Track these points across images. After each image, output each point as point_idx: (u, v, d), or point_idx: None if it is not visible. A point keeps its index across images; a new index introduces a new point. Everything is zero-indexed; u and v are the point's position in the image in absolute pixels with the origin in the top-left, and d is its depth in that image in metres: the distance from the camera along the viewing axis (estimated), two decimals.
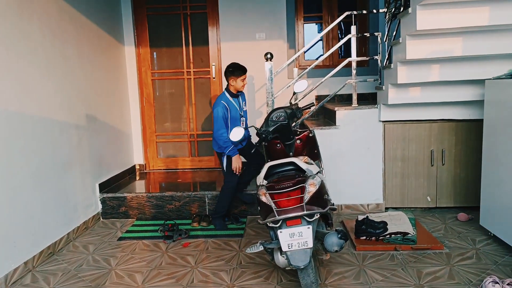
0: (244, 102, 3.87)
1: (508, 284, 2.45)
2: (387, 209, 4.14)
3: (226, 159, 3.75)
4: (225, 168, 3.78)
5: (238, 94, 3.77)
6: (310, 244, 2.40)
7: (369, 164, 4.09)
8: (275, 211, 2.41)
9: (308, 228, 2.42)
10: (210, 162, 5.37)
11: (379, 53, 4.10)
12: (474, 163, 3.93)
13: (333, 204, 2.85)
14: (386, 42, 3.95)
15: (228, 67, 3.73)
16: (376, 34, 4.06)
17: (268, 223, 2.46)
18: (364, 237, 3.39)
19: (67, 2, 3.80)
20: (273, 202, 2.44)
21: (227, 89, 3.76)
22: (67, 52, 3.78)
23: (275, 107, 3.56)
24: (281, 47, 4.99)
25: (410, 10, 3.18)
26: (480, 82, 3.52)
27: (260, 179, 2.66)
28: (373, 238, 3.37)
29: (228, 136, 3.57)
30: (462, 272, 2.80)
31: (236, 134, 3.04)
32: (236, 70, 3.68)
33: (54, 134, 3.52)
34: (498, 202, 3.20)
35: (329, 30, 4.24)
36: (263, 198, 2.49)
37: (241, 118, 3.81)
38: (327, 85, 4.96)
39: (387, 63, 3.88)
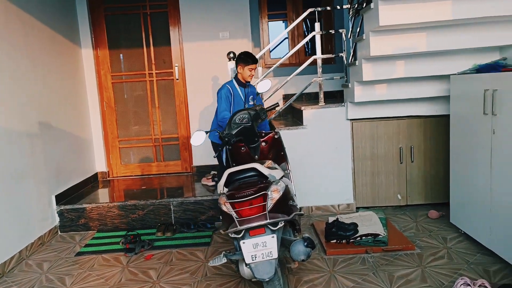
0: (252, 97, 3.60)
1: (479, 286, 2.38)
2: (358, 209, 4.05)
3: (228, 152, 3.26)
4: (224, 163, 3.50)
5: (246, 85, 3.54)
6: (275, 255, 2.25)
7: (338, 163, 4.00)
8: (236, 221, 2.26)
9: (273, 237, 2.28)
10: (176, 166, 5.17)
11: (344, 50, 4.01)
12: (443, 159, 3.89)
13: (300, 210, 2.72)
14: (350, 39, 3.86)
15: (240, 54, 3.52)
16: (340, 31, 3.97)
17: (230, 234, 2.31)
18: (335, 240, 3.28)
19: (13, 3, 3.52)
20: (234, 211, 2.29)
21: (236, 77, 3.55)
22: (16, 56, 3.51)
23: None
24: (246, 46, 4.83)
25: (372, 5, 3.09)
26: (446, 78, 3.47)
27: (220, 187, 2.50)
28: (343, 241, 3.26)
29: None
30: (434, 274, 2.73)
31: (196, 138, 2.87)
32: (246, 57, 3.46)
33: (1, 144, 3.24)
34: (466, 199, 3.15)
35: (294, 28, 4.13)
36: (224, 207, 2.33)
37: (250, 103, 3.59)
38: (294, 84, 4.84)
39: (352, 60, 3.79)
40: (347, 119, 3.95)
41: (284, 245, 2.54)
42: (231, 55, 3.79)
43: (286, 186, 2.57)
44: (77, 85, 4.72)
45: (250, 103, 3.56)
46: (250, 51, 4.84)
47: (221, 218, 2.46)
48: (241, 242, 2.27)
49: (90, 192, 4.49)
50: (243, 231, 2.27)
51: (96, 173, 5.05)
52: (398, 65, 3.44)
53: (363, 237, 3.23)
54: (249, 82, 3.52)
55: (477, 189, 2.97)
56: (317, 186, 4.01)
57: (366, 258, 3.04)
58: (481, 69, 3.02)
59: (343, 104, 3.94)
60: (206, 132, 2.95)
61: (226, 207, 2.31)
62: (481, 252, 2.96)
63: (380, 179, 4.01)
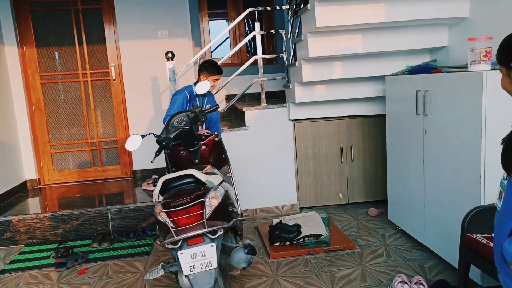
0: (210, 106, 3.44)
1: (416, 283, 2.45)
2: (301, 209, 4.07)
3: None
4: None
5: (205, 94, 3.36)
6: (215, 264, 2.16)
7: (281, 164, 3.99)
8: (172, 231, 2.14)
9: (212, 246, 2.18)
10: (115, 171, 4.91)
11: (285, 51, 4.00)
12: (381, 158, 4.00)
13: (241, 215, 2.65)
14: (290, 40, 3.85)
15: (205, 61, 3.35)
16: (280, 31, 3.95)
17: (166, 245, 2.18)
18: (279, 243, 3.26)
19: None
20: (171, 220, 2.17)
21: (196, 83, 3.36)
22: None
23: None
24: (186, 45, 4.69)
25: (309, 6, 3.09)
26: (382, 79, 3.56)
27: (156, 195, 2.36)
28: (287, 243, 3.24)
29: None
30: (374, 272, 2.78)
31: (131, 143, 2.70)
32: (211, 66, 3.30)
33: None
34: (402, 196, 3.25)
35: (236, 28, 4.06)
36: (160, 217, 2.20)
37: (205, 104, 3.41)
38: (237, 84, 4.78)
39: (292, 60, 3.78)
40: (289, 120, 3.95)
41: (225, 252, 2.46)
42: (169, 54, 3.64)
43: (226, 191, 2.49)
44: (0, 86, 4.32)
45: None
46: (190, 50, 4.72)
47: (157, 228, 2.33)
48: (178, 252, 2.15)
49: (17, 203, 4.13)
50: (181, 241, 2.16)
51: (25, 181, 4.67)
52: (336, 66, 3.48)
53: (306, 238, 3.23)
54: (210, 92, 3.41)
55: (411, 186, 3.07)
56: (261, 188, 3.97)
57: (309, 259, 3.04)
58: (413, 71, 3.12)
59: (285, 104, 3.93)
60: (142, 136, 2.79)
61: (162, 217, 2.18)
62: (417, 248, 3.07)
63: (322, 179, 4.05)
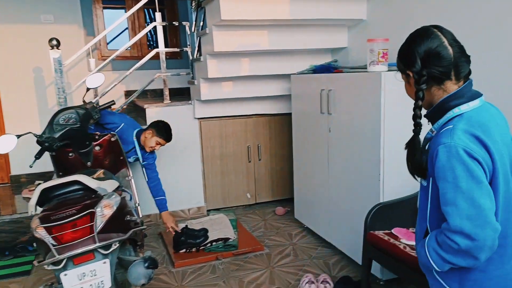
0: (147, 156, 3.05)
1: (322, 282, 2.44)
2: (209, 211, 3.90)
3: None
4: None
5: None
6: (108, 284, 1.90)
7: (187, 165, 3.77)
8: (53, 249, 1.82)
9: (104, 263, 1.91)
10: None
11: (189, 45, 3.79)
12: (288, 156, 4.01)
13: (141, 223, 2.39)
14: (195, 33, 3.65)
15: (160, 122, 2.99)
16: (184, 23, 3.73)
17: (46, 266, 1.85)
18: (184, 250, 3.05)
19: None
20: (52, 237, 1.84)
21: (139, 134, 2.96)
22: None
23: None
24: (76, 34, 4.19)
25: None
26: (288, 77, 3.55)
27: (31, 207, 2.00)
28: (193, 250, 3.05)
29: None
30: (282, 274, 2.73)
31: (3, 144, 2.28)
32: (162, 130, 2.94)
33: None
34: (308, 194, 3.27)
35: (135, 19, 3.72)
36: (37, 233, 1.86)
37: (132, 151, 2.99)
38: (138, 79, 4.40)
39: (197, 55, 3.59)
40: (195, 118, 3.75)
41: (123, 266, 2.19)
42: (54, 42, 3.17)
43: (123, 198, 2.22)
44: None
45: (129, 159, 3.01)
46: (81, 38, 4.24)
47: (35, 245, 1.97)
48: (62, 274, 1.84)
49: None
50: (65, 260, 1.84)
51: None
52: (243, 62, 3.38)
53: (214, 243, 3.08)
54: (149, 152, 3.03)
55: (316, 184, 3.10)
56: (166, 191, 3.70)
57: (216, 265, 2.89)
58: (316, 70, 3.15)
59: (190, 102, 3.73)
60: (18, 136, 2.36)
61: (39, 233, 1.84)
62: (322, 245, 3.11)
63: (230, 179, 3.94)
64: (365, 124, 2.47)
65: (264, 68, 3.43)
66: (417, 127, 1.20)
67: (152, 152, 3.05)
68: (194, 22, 3.65)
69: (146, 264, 2.04)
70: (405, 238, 2.07)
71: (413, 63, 1.18)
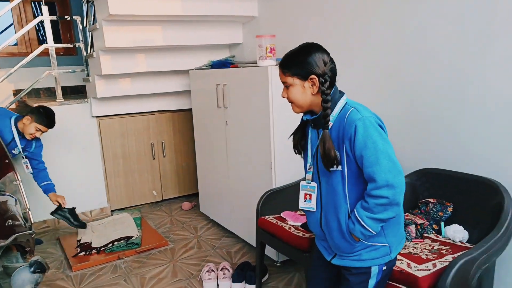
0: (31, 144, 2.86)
1: (221, 270, 2.53)
2: (113, 211, 3.79)
3: None
4: None
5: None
6: None
7: (87, 165, 3.62)
8: None
9: None
10: None
11: (82, 40, 3.63)
12: (192, 152, 4.05)
13: (29, 228, 2.27)
14: (87, 28, 3.50)
15: (41, 107, 2.79)
16: (75, 18, 3.56)
17: None
18: (83, 253, 2.95)
19: None
20: None
21: (17, 119, 2.76)
22: None
23: None
24: None
25: None
26: (187, 73, 3.58)
27: None
28: (93, 252, 2.96)
29: None
30: (185, 266, 2.77)
31: None
32: (44, 116, 2.76)
33: None
34: (211, 187, 3.35)
35: (21, 13, 3.45)
36: None
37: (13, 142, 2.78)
38: (27, 77, 4.10)
39: (91, 51, 3.45)
40: (93, 117, 3.61)
41: (9, 275, 2.06)
42: None
43: (3, 203, 2.09)
44: None
45: (14, 152, 2.85)
46: None
47: None
48: None
49: None
50: None
51: None
52: (139, 58, 3.33)
53: (115, 243, 3.02)
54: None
55: (218, 177, 3.19)
56: (65, 193, 3.52)
57: (118, 265, 2.84)
58: (214, 65, 3.23)
59: (86, 100, 3.57)
60: None
61: None
62: (225, 235, 3.21)
63: (134, 178, 3.86)
64: (256, 116, 2.61)
65: (162, 64, 3.41)
66: (327, 123, 1.36)
67: (38, 140, 2.91)
68: (85, 17, 3.50)
69: (32, 269, 1.95)
70: (292, 220, 2.24)
71: (320, 70, 1.35)
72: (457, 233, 1.68)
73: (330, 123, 1.36)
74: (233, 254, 2.90)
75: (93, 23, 3.25)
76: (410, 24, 2.09)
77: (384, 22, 2.24)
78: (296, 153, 1.54)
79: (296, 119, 2.36)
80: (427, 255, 1.58)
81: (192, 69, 3.38)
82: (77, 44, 3.65)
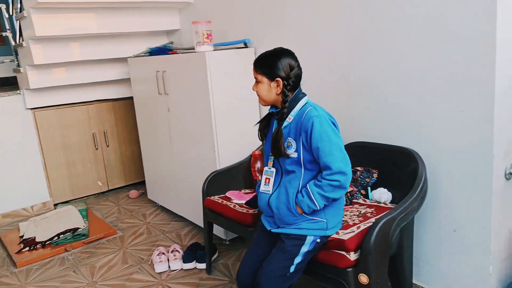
0: None
1: (172, 252, 2.61)
2: (56, 205, 3.70)
3: None
4: None
5: None
6: None
7: (25, 160, 3.49)
8: None
9: None
10: None
11: (9, 29, 3.45)
12: (136, 140, 4.02)
13: None
14: (14, 16, 3.33)
15: None
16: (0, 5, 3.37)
17: None
18: (28, 248, 2.88)
19: None
20: None
21: None
22: None
23: None
24: None
25: None
26: (126, 60, 3.54)
27: None
28: (38, 246, 2.91)
29: None
30: (135, 252, 2.81)
31: None
32: None
33: None
34: (157, 174, 3.39)
35: None
36: None
37: None
38: None
39: (20, 40, 3.30)
40: (27, 109, 3.47)
41: None
42: None
43: None
44: None
45: None
46: None
47: None
48: None
49: None
50: None
51: None
52: (73, 47, 3.24)
53: (61, 235, 2.98)
54: None
55: (163, 163, 3.23)
56: (2, 191, 3.40)
57: (66, 257, 2.82)
58: (153, 52, 3.22)
59: (18, 91, 3.43)
60: None
61: None
62: (175, 220, 3.27)
63: (77, 169, 3.78)
64: (197, 101, 2.67)
65: (99, 52, 3.35)
66: (283, 121, 1.58)
67: None
68: (11, 4, 3.33)
69: None
70: (236, 199, 2.35)
71: (285, 74, 1.56)
72: (382, 195, 1.89)
73: (291, 117, 1.59)
74: (183, 237, 2.98)
75: (20, 11, 3.10)
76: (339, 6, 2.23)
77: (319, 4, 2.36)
78: (259, 139, 1.75)
79: (233, 103, 2.50)
80: (354, 220, 1.77)
81: (131, 57, 3.35)
82: (3, 33, 3.46)
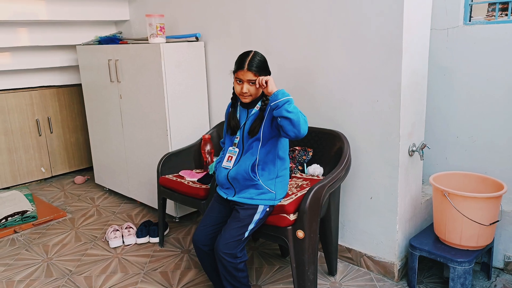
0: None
1: (126, 228, 2.80)
2: None
3: None
4: None
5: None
6: None
7: None
8: None
9: None
10: None
11: None
12: (81, 127, 4.09)
13: None
14: None
15: None
16: None
17: None
18: None
19: None
20: None
21: None
22: None
23: None
24: None
25: None
26: (73, 48, 3.60)
27: None
28: None
29: None
30: (87, 231, 2.95)
31: None
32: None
33: None
34: (106, 160, 3.52)
35: None
36: None
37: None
38: None
39: None
40: None
41: None
42: None
43: None
44: None
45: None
46: None
47: None
48: None
49: None
50: None
51: None
52: (21, 32, 3.26)
53: (9, 218, 3.02)
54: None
55: (114, 149, 3.38)
56: None
57: (15, 238, 2.88)
58: (102, 41, 3.34)
59: None
60: None
61: None
62: (124, 202, 3.44)
63: (19, 155, 3.77)
64: (151, 88, 2.87)
65: (47, 38, 3.39)
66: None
67: None
68: None
69: None
70: (189, 177, 2.61)
71: (269, 71, 1.90)
72: (316, 169, 2.28)
73: (258, 106, 1.92)
74: (134, 217, 3.17)
75: None
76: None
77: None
78: (231, 134, 2.00)
79: (184, 91, 2.74)
80: (292, 190, 2.12)
81: (80, 44, 3.43)
82: None
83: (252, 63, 1.85)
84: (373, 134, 2.21)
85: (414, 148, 2.21)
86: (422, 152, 2.22)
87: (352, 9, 2.15)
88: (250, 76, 1.84)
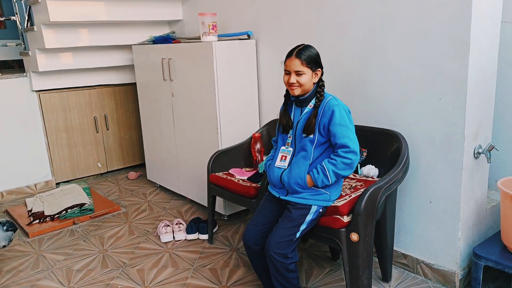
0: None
1: (176, 224, 2.85)
2: (58, 184, 3.88)
3: None
4: None
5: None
6: None
7: (29, 140, 3.65)
8: None
9: None
10: None
11: (17, 14, 3.58)
12: (135, 124, 4.23)
13: None
14: (22, 1, 3.47)
15: None
16: None
17: None
18: (38, 221, 3.07)
19: None
20: None
21: None
22: None
23: None
24: None
25: None
26: (129, 47, 3.73)
27: None
28: (47, 219, 3.10)
29: None
30: (140, 225, 3.04)
31: None
32: None
33: None
34: (158, 157, 3.60)
35: None
36: None
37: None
38: None
39: (29, 25, 3.44)
40: (33, 91, 3.63)
41: None
42: None
43: None
44: None
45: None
46: None
47: None
48: None
49: None
50: None
51: None
52: (82, 33, 3.41)
53: (69, 210, 3.17)
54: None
55: (165, 146, 3.45)
56: (6, 168, 3.55)
57: (74, 229, 3.02)
58: (156, 41, 3.42)
59: (25, 74, 3.58)
60: None
61: None
62: (174, 198, 3.51)
63: (78, 151, 3.96)
64: (202, 86, 2.90)
65: (104, 39, 3.53)
66: (319, 104, 1.87)
67: None
68: None
69: (5, 227, 2.12)
70: (239, 175, 2.60)
71: (321, 66, 1.87)
72: (370, 170, 2.18)
73: (311, 104, 1.87)
74: (184, 213, 3.22)
75: None
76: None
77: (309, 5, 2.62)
78: (283, 132, 1.97)
79: (235, 89, 2.72)
80: (346, 191, 2.05)
81: (135, 44, 3.54)
82: (11, 18, 3.59)
83: (301, 52, 1.82)
84: (434, 135, 2.08)
85: (480, 150, 2.05)
86: (490, 155, 2.06)
87: (412, 1, 2.03)
88: (297, 64, 1.81)
